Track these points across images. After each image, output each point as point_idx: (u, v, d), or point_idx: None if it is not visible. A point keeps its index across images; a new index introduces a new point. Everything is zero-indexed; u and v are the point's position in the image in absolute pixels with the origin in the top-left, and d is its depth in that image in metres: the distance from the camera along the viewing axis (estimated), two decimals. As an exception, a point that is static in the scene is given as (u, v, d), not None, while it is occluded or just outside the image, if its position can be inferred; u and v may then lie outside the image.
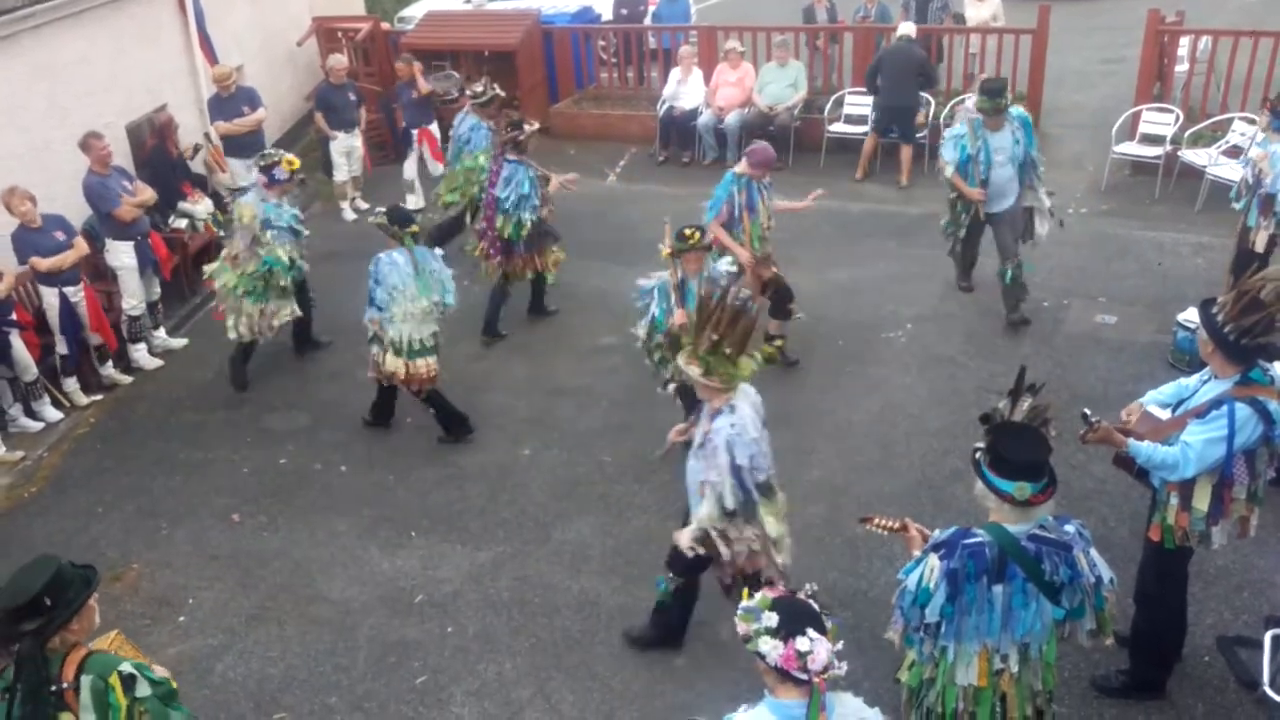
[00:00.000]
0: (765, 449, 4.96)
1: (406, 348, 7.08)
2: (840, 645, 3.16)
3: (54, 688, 3.41)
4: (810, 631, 3.09)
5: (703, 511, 4.94)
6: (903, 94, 11.26)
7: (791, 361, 8.01)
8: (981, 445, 3.85)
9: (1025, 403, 3.91)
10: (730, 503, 4.88)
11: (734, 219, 7.72)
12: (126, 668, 3.49)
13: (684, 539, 5.02)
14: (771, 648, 3.10)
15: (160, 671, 3.66)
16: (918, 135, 11.44)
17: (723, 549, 4.97)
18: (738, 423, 4.82)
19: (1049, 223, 8.45)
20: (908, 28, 11.51)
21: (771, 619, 3.13)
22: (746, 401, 4.92)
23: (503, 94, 9.66)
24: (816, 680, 3.06)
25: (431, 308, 7.09)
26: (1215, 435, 4.32)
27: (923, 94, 11.42)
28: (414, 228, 7.12)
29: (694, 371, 4.81)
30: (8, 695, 3.42)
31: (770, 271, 7.80)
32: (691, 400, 5.68)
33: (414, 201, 11.37)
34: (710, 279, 6.48)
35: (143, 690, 3.48)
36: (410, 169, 11.51)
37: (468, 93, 9.92)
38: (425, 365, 7.17)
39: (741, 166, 7.83)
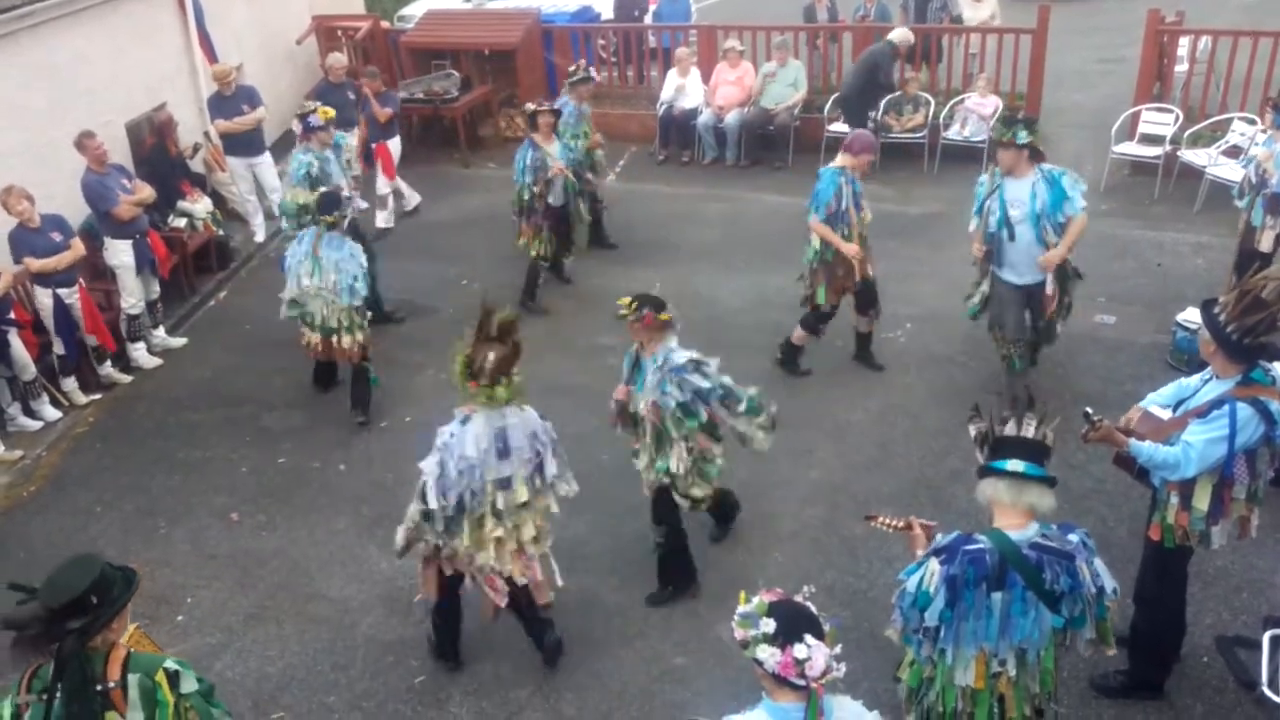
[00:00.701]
0: (486, 478, 4.86)
1: (321, 324, 7.59)
2: (839, 649, 3.14)
3: (99, 687, 3.40)
4: (808, 638, 3.07)
5: (411, 507, 5.08)
6: (849, 85, 11.49)
7: (804, 372, 7.98)
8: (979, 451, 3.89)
9: (1031, 425, 3.89)
10: (432, 501, 4.88)
11: (840, 214, 7.34)
12: (171, 665, 3.50)
13: (398, 535, 5.19)
14: (769, 655, 3.07)
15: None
16: (917, 135, 11.46)
17: (420, 546, 5.16)
18: (458, 434, 4.86)
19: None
20: (899, 34, 11.49)
21: (769, 625, 3.10)
22: (491, 424, 4.87)
23: (596, 77, 9.52)
24: (815, 685, 3.04)
25: (322, 291, 7.45)
26: (1216, 435, 4.32)
27: (874, 90, 11.46)
28: (331, 218, 7.47)
29: (454, 368, 4.88)
30: (46, 696, 3.38)
31: (868, 268, 7.59)
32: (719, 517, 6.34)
33: (383, 219, 11.10)
34: (672, 370, 5.38)
35: (188, 686, 3.48)
36: (383, 184, 11.17)
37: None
38: (307, 338, 7.74)
39: (843, 159, 7.40)
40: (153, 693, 3.43)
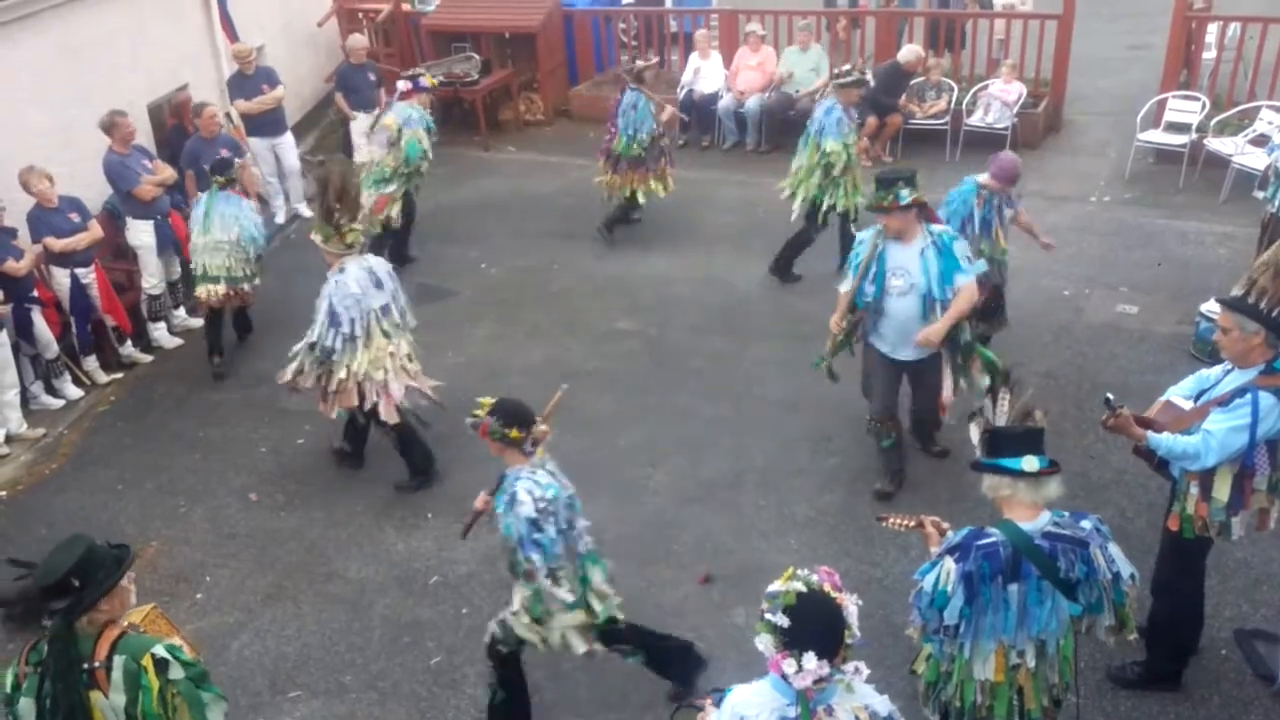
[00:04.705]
0: (368, 305, 6.32)
1: (202, 273, 8.17)
2: (852, 666, 3.08)
3: (85, 666, 3.42)
4: (809, 655, 2.96)
5: (297, 346, 6.52)
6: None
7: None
8: (979, 446, 3.85)
9: (1004, 402, 3.86)
10: (329, 341, 6.30)
11: (964, 231, 6.72)
12: (159, 650, 3.49)
13: (287, 371, 6.52)
14: (766, 645, 3.04)
15: (189, 652, 3.68)
16: (940, 121, 11.40)
17: (305, 382, 6.54)
18: (341, 280, 6.29)
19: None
20: (906, 53, 11.32)
21: (782, 621, 3.02)
22: (359, 266, 6.35)
23: (868, 79, 8.99)
24: (805, 690, 3.00)
25: (221, 243, 8.05)
26: (1238, 424, 4.28)
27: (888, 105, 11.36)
28: (221, 179, 8.11)
29: (316, 239, 6.33)
30: (40, 670, 3.44)
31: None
32: None
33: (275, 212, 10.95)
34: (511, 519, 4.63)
35: (175, 673, 3.48)
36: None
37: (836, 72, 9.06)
38: (206, 291, 8.19)
39: (984, 176, 6.94)
40: (137, 676, 3.44)
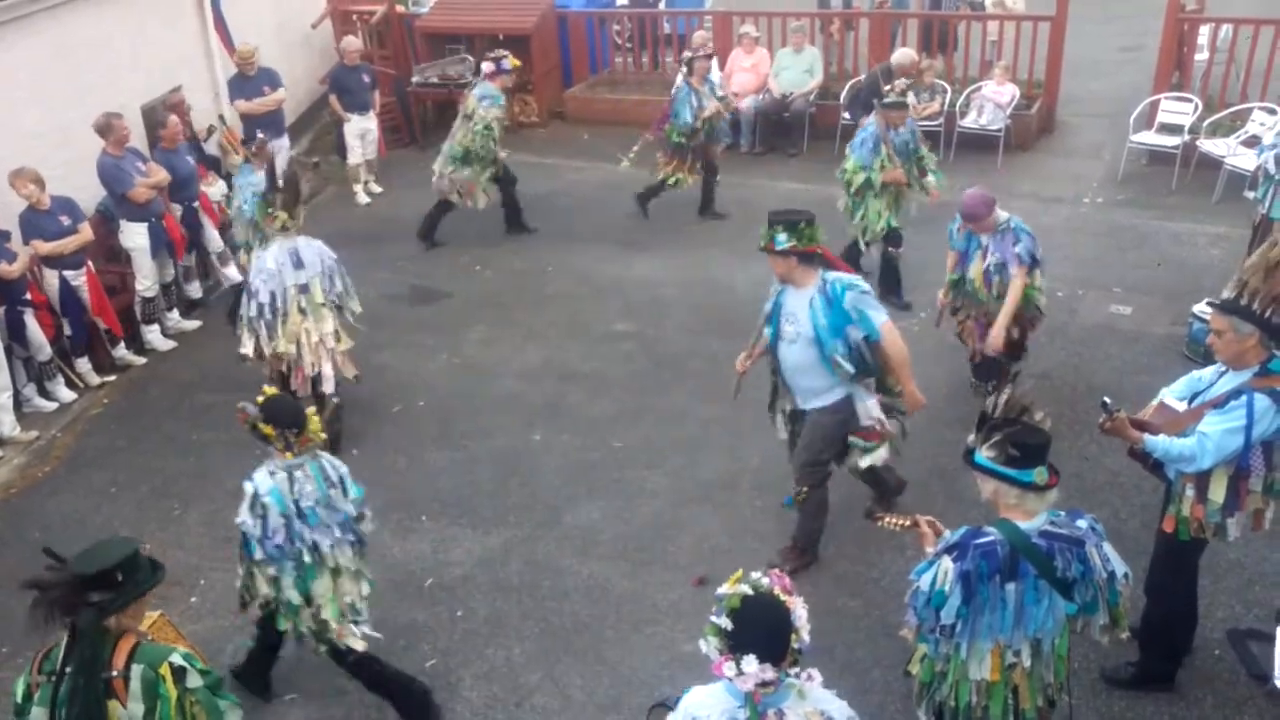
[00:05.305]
0: (284, 282, 6.83)
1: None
2: (796, 670, 3.05)
3: (104, 675, 3.40)
4: (748, 659, 2.95)
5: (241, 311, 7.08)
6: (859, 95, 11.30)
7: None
8: (982, 447, 3.78)
9: (1003, 396, 3.87)
10: (245, 310, 6.97)
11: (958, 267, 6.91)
12: (177, 659, 3.48)
13: (245, 344, 7.05)
14: (711, 648, 3.03)
15: (202, 660, 3.68)
16: (933, 123, 11.40)
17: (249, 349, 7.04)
18: (261, 255, 6.97)
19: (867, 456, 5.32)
20: (899, 56, 11.31)
21: (725, 623, 3.01)
22: (283, 246, 6.88)
23: (909, 101, 8.56)
24: (752, 693, 2.99)
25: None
26: (1233, 425, 4.29)
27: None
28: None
29: (257, 215, 7.29)
30: (54, 679, 3.40)
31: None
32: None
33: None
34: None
35: (193, 681, 3.47)
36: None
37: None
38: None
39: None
40: (155, 685, 3.42)
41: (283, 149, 10.88)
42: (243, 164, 8.70)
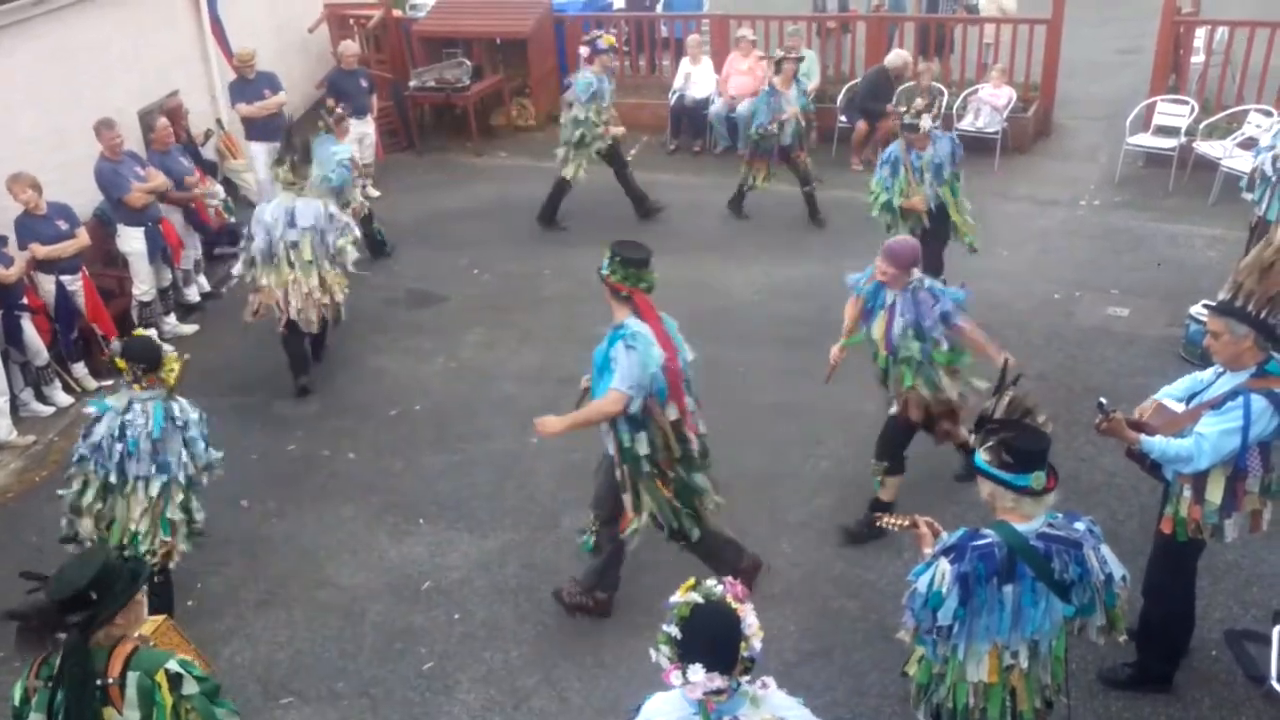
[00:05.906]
0: (277, 236, 7.53)
1: None
2: (750, 679, 3.03)
3: (99, 682, 3.38)
4: (695, 668, 2.94)
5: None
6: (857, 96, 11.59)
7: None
8: (980, 449, 3.78)
9: (1005, 397, 3.86)
10: (243, 250, 7.86)
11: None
12: (173, 665, 3.45)
13: (237, 268, 7.94)
14: (662, 656, 3.03)
15: (202, 666, 3.66)
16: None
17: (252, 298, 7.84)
18: (260, 206, 7.77)
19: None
20: (893, 57, 11.36)
21: (674, 631, 3.01)
22: (282, 203, 7.56)
23: (921, 124, 7.81)
24: (704, 700, 2.98)
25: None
26: (1230, 426, 4.29)
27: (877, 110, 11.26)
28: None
29: (272, 173, 8.08)
30: (52, 684, 3.39)
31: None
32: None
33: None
34: None
35: (189, 688, 3.44)
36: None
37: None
38: None
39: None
40: (151, 692, 3.40)
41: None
42: (323, 134, 8.99)
